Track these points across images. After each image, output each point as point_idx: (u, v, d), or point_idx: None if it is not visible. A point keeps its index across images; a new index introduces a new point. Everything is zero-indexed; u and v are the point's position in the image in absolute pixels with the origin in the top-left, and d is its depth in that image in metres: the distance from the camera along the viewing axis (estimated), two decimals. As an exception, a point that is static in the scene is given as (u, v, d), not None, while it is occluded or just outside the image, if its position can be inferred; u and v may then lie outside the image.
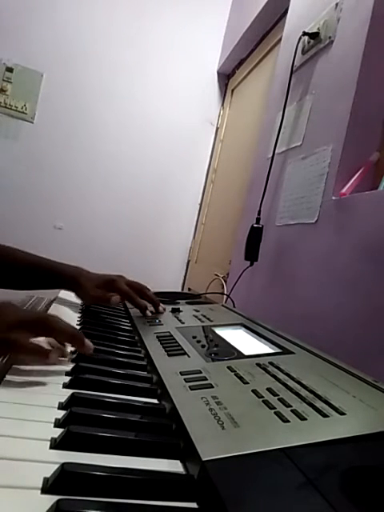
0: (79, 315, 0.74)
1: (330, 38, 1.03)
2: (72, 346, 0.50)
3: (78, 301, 0.87)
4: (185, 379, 0.42)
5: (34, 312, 0.49)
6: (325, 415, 0.34)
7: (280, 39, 1.43)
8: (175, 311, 0.78)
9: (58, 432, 0.31)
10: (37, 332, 0.45)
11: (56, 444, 0.30)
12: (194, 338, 0.58)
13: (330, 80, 1.01)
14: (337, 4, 1.03)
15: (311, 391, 0.38)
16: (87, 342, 0.48)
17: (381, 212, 0.74)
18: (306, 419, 0.33)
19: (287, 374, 0.43)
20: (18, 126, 2.00)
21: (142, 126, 2.17)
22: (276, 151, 1.17)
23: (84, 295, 0.76)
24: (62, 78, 2.05)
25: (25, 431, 0.31)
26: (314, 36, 1.09)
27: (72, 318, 0.70)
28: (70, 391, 0.38)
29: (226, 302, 1.14)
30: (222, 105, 2.30)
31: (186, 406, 0.36)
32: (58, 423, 0.33)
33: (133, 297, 0.75)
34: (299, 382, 0.40)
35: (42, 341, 0.46)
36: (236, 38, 1.97)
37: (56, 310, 0.74)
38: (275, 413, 0.34)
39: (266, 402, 0.36)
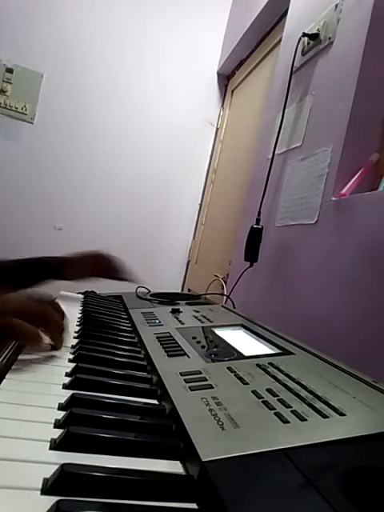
0: (79, 315, 0.74)
1: (329, 38, 1.03)
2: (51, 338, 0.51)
3: (79, 302, 0.87)
4: (185, 380, 0.42)
5: (36, 302, 0.50)
6: (325, 416, 0.34)
7: (280, 40, 1.43)
8: (175, 312, 0.78)
9: (57, 433, 0.31)
10: (36, 323, 0.46)
11: (56, 445, 0.30)
12: (194, 338, 0.58)
13: (329, 81, 1.01)
14: (336, 5, 1.03)
15: (311, 392, 0.38)
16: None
17: (380, 213, 0.74)
18: (305, 420, 0.33)
19: (287, 375, 0.43)
20: (18, 126, 2.00)
21: (142, 127, 2.18)
22: (276, 152, 1.17)
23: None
24: (62, 78, 2.05)
25: (24, 432, 0.31)
26: (313, 37, 1.10)
27: (72, 318, 0.70)
28: (69, 392, 0.38)
29: (225, 302, 1.14)
30: (222, 105, 2.30)
31: (185, 407, 0.36)
32: (57, 424, 0.33)
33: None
34: (299, 383, 0.40)
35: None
36: (236, 38, 1.98)
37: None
38: (275, 413, 0.34)
39: (266, 403, 0.36)
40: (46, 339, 0.49)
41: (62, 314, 0.54)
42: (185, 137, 2.25)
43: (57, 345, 0.50)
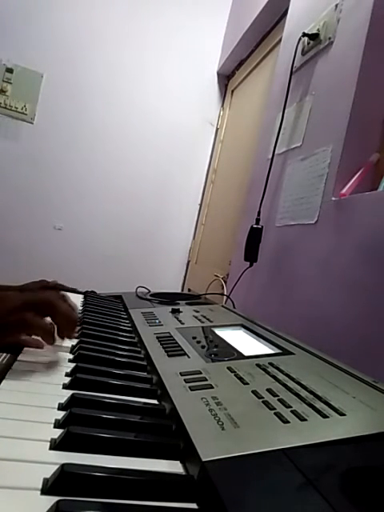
0: (79, 315, 0.74)
1: (329, 38, 1.03)
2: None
3: (78, 302, 0.87)
4: (185, 380, 0.42)
5: (37, 294, 0.52)
6: (325, 416, 0.34)
7: (280, 40, 1.43)
8: (175, 312, 0.78)
9: (57, 433, 0.31)
10: (42, 312, 0.48)
11: (56, 445, 0.29)
12: (194, 338, 0.58)
13: (329, 81, 1.01)
14: (336, 5, 1.03)
15: (311, 392, 0.38)
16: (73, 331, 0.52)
17: (380, 213, 0.74)
18: (305, 420, 0.33)
19: (287, 375, 0.43)
20: (18, 126, 2.00)
21: (142, 127, 2.18)
22: (276, 152, 1.17)
23: None
24: (61, 78, 2.05)
25: (25, 432, 0.31)
26: (313, 37, 1.10)
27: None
28: (69, 392, 0.38)
29: (225, 302, 1.14)
30: (222, 105, 2.30)
31: (185, 407, 0.36)
32: (57, 424, 0.33)
33: None
34: (299, 383, 0.40)
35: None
36: (236, 38, 1.98)
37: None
38: (275, 413, 0.34)
39: (266, 403, 0.36)
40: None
41: (70, 306, 0.54)
42: (185, 137, 2.25)
43: (68, 334, 0.50)
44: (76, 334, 0.54)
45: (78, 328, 0.63)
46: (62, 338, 0.50)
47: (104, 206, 2.14)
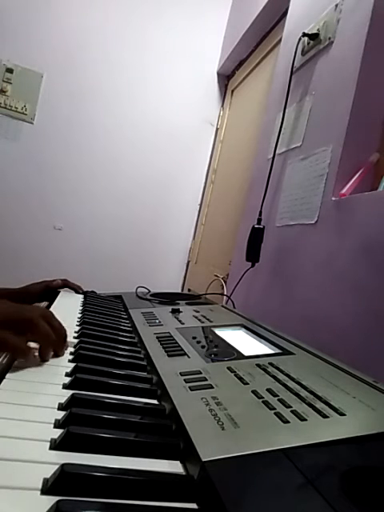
0: (79, 315, 0.74)
1: (329, 38, 1.03)
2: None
3: (78, 302, 0.87)
4: (185, 380, 0.42)
5: (23, 310, 0.49)
6: (325, 416, 0.34)
7: (280, 40, 1.43)
8: (175, 312, 0.78)
9: (57, 433, 0.31)
10: (22, 331, 0.46)
11: (56, 445, 0.30)
12: (194, 338, 0.58)
13: (329, 81, 1.01)
14: (336, 5, 1.03)
15: (311, 392, 0.38)
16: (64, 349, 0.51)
17: (380, 213, 0.74)
18: (305, 420, 0.33)
19: (287, 375, 0.43)
20: (18, 126, 2.00)
21: (142, 127, 2.18)
22: (276, 152, 1.17)
23: None
24: (61, 78, 2.05)
25: (25, 432, 0.31)
26: (313, 37, 1.10)
27: (72, 318, 0.70)
28: (69, 392, 0.38)
29: (226, 302, 1.14)
30: (222, 105, 2.30)
31: (185, 407, 0.36)
32: (57, 424, 0.33)
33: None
34: (299, 383, 0.40)
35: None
36: (236, 38, 1.98)
37: (55, 310, 0.74)
38: (275, 413, 0.34)
39: (266, 403, 0.36)
40: (35, 351, 0.47)
41: (57, 325, 0.51)
42: (185, 137, 2.25)
43: (43, 357, 0.47)
44: (66, 351, 0.51)
45: (78, 328, 0.63)
46: (42, 359, 0.47)
47: (104, 205, 2.14)
